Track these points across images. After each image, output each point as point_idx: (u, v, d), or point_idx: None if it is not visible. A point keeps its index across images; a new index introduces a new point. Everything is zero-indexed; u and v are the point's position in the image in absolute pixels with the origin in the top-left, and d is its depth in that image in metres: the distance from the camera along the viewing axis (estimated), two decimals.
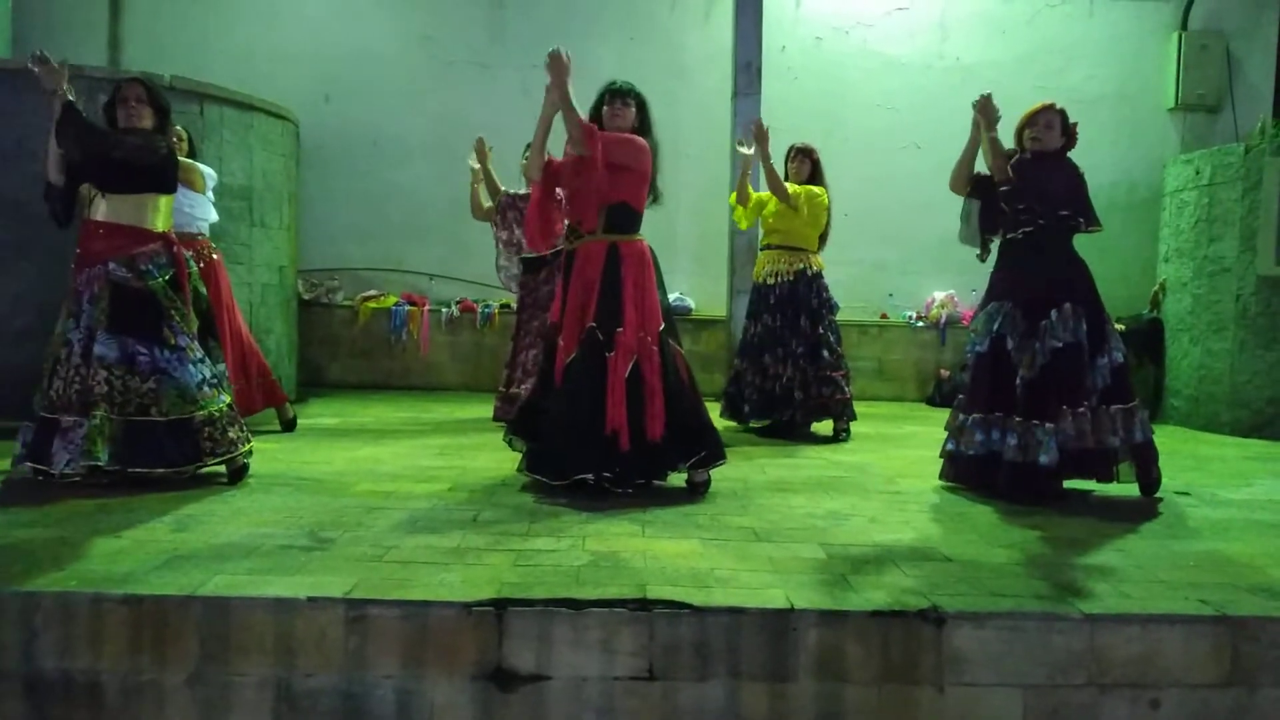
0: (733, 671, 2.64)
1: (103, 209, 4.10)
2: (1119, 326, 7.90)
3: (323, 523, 3.48)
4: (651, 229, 8.81)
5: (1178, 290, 7.51)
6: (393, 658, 2.62)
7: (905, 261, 8.82)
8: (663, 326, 4.23)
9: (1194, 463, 5.57)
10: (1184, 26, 8.74)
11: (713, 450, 4.23)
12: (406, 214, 8.57)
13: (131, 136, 4.09)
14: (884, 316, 8.68)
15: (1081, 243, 4.40)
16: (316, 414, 6.55)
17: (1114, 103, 8.64)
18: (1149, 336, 7.81)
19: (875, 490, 4.42)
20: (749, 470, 4.83)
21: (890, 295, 8.58)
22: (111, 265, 4.05)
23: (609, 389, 4.02)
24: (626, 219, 4.29)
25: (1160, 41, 8.81)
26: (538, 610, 2.64)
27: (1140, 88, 8.79)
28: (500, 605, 2.64)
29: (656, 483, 4.23)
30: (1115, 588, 2.94)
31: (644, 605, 2.66)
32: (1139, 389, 7.72)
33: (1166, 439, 6.56)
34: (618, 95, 4.34)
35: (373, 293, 8.36)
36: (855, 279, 8.66)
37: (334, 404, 7.15)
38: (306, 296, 8.15)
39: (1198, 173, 7.28)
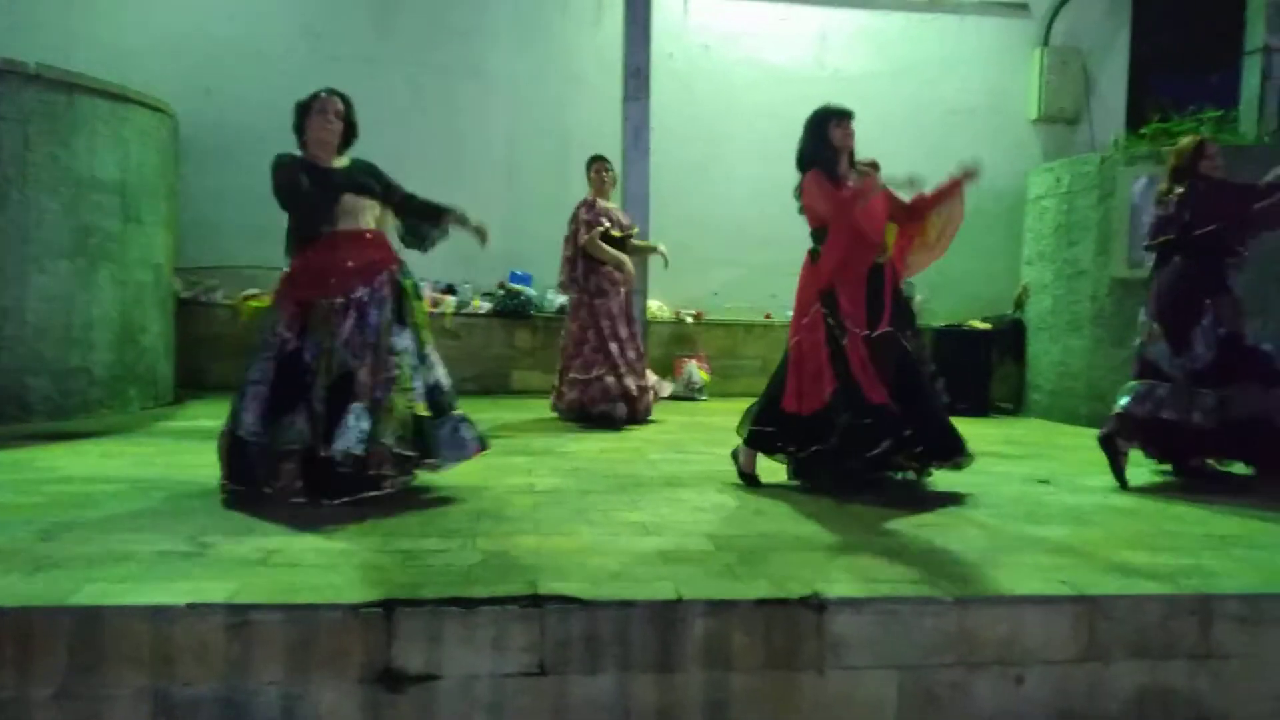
0: (622, 664, 2.69)
1: (361, 219, 4.06)
2: (985, 325, 8.38)
3: (203, 527, 3.37)
4: (545, 230, 8.83)
5: (1039, 291, 7.94)
6: (277, 663, 2.57)
7: (789, 263, 8.91)
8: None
9: (1055, 453, 5.91)
10: (1046, 43, 9.23)
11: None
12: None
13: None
14: (768, 316, 8.89)
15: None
16: (196, 416, 6.33)
17: (983, 114, 9.05)
18: (1013, 335, 8.23)
19: (762, 483, 4.54)
20: (641, 467, 4.90)
21: (773, 296, 8.76)
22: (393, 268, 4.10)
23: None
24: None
25: (1024, 56, 9.28)
26: (428, 610, 2.63)
27: (1006, 100, 9.24)
28: (389, 606, 2.62)
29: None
30: (983, 571, 3.12)
31: (535, 601, 2.69)
32: (1003, 386, 8.22)
33: (1030, 431, 6.96)
34: (847, 116, 4.56)
35: (254, 291, 8.08)
36: (741, 280, 8.87)
37: (215, 406, 6.86)
38: (184, 295, 7.84)
39: (1058, 181, 7.72)
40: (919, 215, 4.59)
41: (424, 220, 4.30)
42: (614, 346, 6.47)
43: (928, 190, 4.50)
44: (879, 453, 4.26)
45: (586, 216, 6.64)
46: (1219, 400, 4.71)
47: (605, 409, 6.41)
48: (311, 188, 3.90)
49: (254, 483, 3.82)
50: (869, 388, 4.26)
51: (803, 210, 4.65)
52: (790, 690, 2.76)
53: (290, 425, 3.81)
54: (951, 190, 4.52)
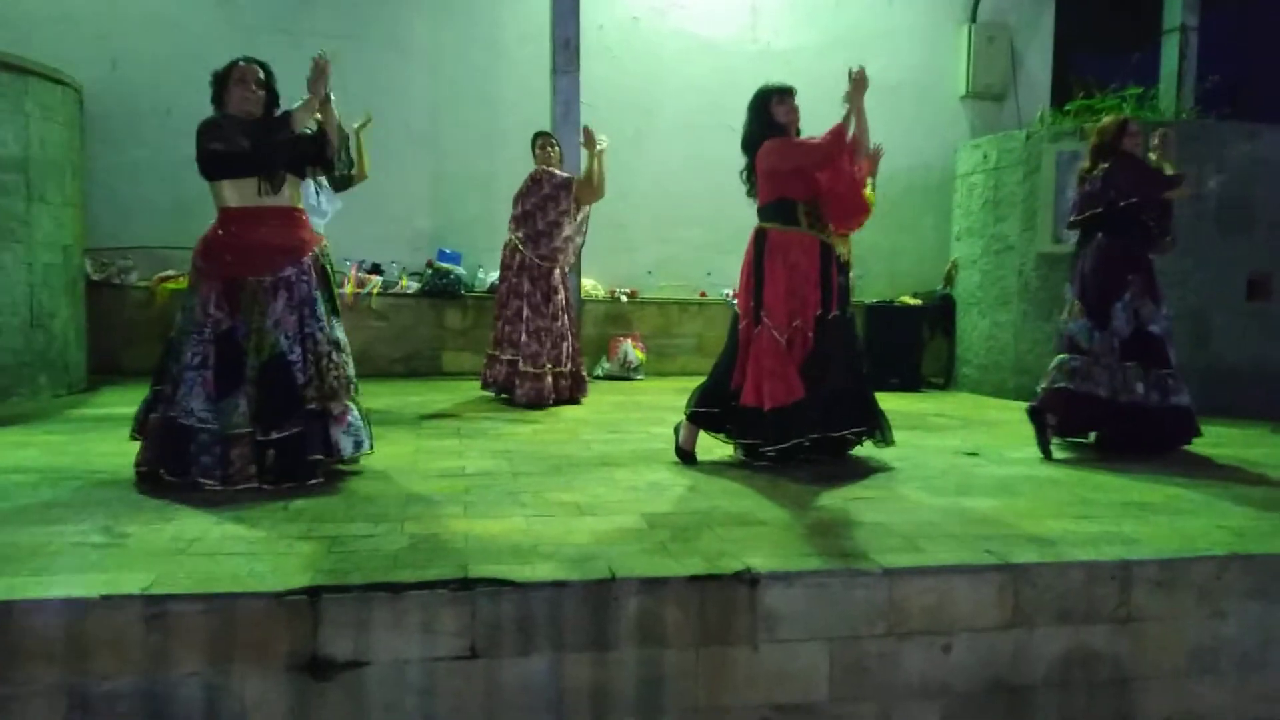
0: (555, 644, 2.67)
1: (286, 194, 3.95)
2: (915, 301, 8.50)
3: (118, 517, 3.25)
4: (474, 206, 8.69)
5: (968, 267, 8.07)
6: (198, 654, 2.50)
7: (723, 241, 9.01)
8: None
9: (983, 426, 6.03)
10: (973, 19, 9.35)
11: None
12: (205, 188, 8.04)
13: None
14: (703, 294, 8.90)
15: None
16: (109, 403, 6.11)
17: (913, 90, 9.14)
18: (943, 311, 8.37)
19: (697, 460, 4.54)
20: (575, 447, 4.86)
21: (709, 274, 8.80)
22: (315, 250, 4.01)
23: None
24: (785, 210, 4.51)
25: (953, 33, 9.40)
26: (354, 596, 2.58)
27: (935, 76, 9.35)
28: (314, 593, 2.56)
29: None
30: (911, 543, 3.16)
31: (465, 584, 2.64)
32: (933, 361, 8.37)
33: (959, 405, 7.09)
34: (788, 92, 4.56)
35: (170, 273, 7.81)
36: (675, 257, 8.84)
37: (129, 392, 6.64)
38: (96, 277, 7.54)
39: (985, 157, 7.83)
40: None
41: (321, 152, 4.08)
42: (517, 328, 6.36)
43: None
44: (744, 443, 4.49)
45: (557, 179, 6.47)
46: (1125, 378, 4.86)
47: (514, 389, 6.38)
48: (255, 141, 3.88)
49: (190, 471, 3.67)
50: (750, 389, 4.36)
51: (753, 190, 4.64)
52: (724, 665, 2.77)
53: (235, 408, 3.71)
54: (857, 109, 4.52)
